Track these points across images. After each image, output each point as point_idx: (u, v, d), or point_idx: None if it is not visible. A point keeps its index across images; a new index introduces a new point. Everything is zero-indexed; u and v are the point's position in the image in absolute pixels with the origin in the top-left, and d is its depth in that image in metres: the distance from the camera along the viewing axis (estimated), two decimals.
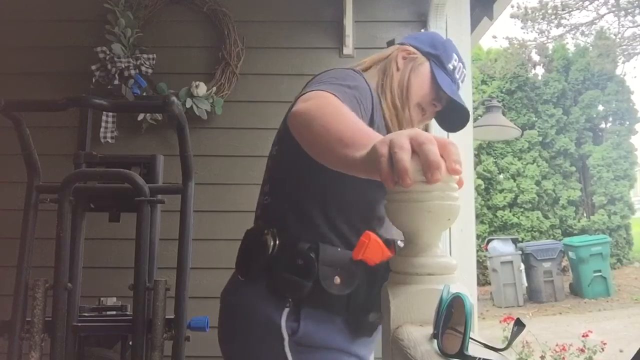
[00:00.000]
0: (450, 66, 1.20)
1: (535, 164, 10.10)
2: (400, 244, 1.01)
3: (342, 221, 1.04)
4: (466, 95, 2.43)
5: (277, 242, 1.01)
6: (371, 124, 1.03)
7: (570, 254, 8.16)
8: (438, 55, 1.19)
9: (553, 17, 11.08)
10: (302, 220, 1.03)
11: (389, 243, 0.98)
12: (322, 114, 0.84)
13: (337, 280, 0.97)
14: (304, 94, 0.95)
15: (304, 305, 0.99)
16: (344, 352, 1.02)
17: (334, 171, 0.85)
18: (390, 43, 1.28)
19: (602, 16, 11.35)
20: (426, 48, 1.20)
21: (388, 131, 1.10)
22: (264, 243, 1.01)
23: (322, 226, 1.03)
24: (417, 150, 0.59)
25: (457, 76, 1.22)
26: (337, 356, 1.01)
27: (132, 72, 2.36)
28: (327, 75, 1.04)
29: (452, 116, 1.24)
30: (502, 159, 10.21)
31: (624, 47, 11.09)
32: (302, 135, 0.89)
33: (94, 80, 2.38)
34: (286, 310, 0.99)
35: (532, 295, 8.22)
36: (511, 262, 7.94)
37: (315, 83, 1.00)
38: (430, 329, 0.54)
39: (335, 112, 0.84)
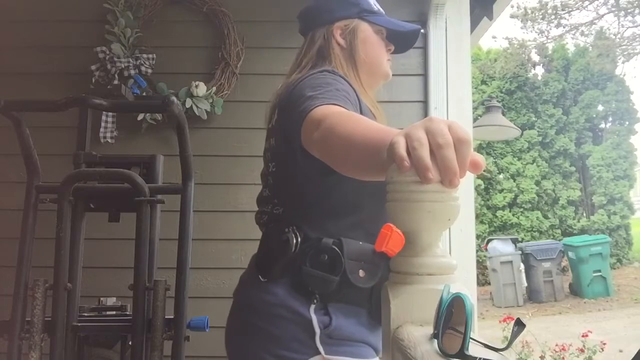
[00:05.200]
0: (374, 7, 1.21)
1: (535, 164, 10.10)
2: None
3: (357, 218, 1.05)
4: (465, 95, 2.45)
5: (299, 239, 1.02)
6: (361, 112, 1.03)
7: (570, 254, 8.16)
8: (362, 7, 1.19)
9: (553, 17, 11.07)
10: (317, 221, 1.05)
11: None
12: (342, 135, 0.81)
13: (361, 273, 0.99)
14: (307, 112, 0.91)
15: (331, 300, 1.00)
16: (368, 345, 1.05)
17: (337, 175, 0.86)
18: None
19: (602, 16, 11.34)
20: (349, 10, 1.18)
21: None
22: (286, 241, 1.02)
23: (336, 223, 1.04)
24: (434, 151, 0.58)
25: (380, 8, 1.24)
26: (362, 349, 1.03)
27: (132, 72, 2.36)
28: (312, 84, 1.01)
29: (403, 40, 1.27)
30: (502, 159, 10.21)
31: (624, 47, 11.08)
32: (334, 159, 0.87)
33: (93, 80, 2.38)
34: (313, 306, 1.00)
35: (532, 295, 8.22)
36: (511, 262, 7.94)
37: (309, 99, 0.95)
38: (430, 329, 0.54)
39: (353, 127, 0.81)
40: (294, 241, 1.01)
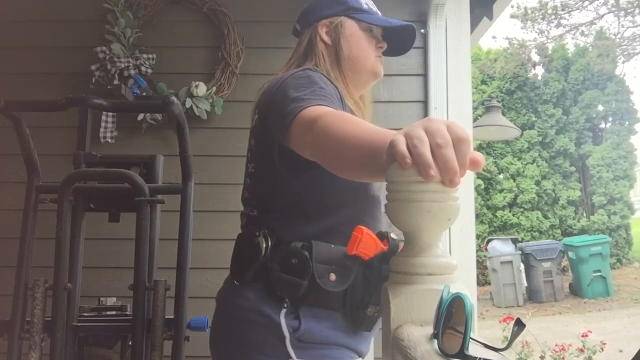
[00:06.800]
0: (364, 5, 1.20)
1: (535, 164, 10.11)
2: (394, 236, 1.00)
3: (333, 221, 1.04)
4: (465, 95, 2.45)
5: (270, 243, 1.02)
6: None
7: (570, 254, 8.17)
8: (349, 5, 1.19)
9: (553, 17, 11.08)
10: (292, 224, 1.04)
11: (382, 236, 0.98)
12: (338, 137, 0.80)
13: (332, 276, 0.98)
14: (296, 113, 0.90)
15: (302, 304, 0.99)
16: (344, 347, 1.03)
17: (314, 177, 0.88)
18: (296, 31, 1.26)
19: (602, 16, 11.35)
20: (335, 8, 1.18)
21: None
22: (256, 245, 1.01)
23: (312, 226, 1.03)
24: (434, 150, 0.58)
25: (373, 7, 1.23)
26: (338, 352, 1.02)
27: (132, 72, 2.36)
28: (295, 85, 0.99)
29: (400, 39, 1.25)
30: (502, 159, 10.22)
31: (624, 47, 11.09)
32: (329, 161, 0.86)
33: (93, 80, 2.38)
34: (284, 310, 0.99)
35: (532, 295, 8.22)
36: (511, 262, 7.94)
37: (295, 100, 0.94)
38: (430, 329, 0.54)
39: (350, 128, 0.80)
40: (264, 245, 1.01)
